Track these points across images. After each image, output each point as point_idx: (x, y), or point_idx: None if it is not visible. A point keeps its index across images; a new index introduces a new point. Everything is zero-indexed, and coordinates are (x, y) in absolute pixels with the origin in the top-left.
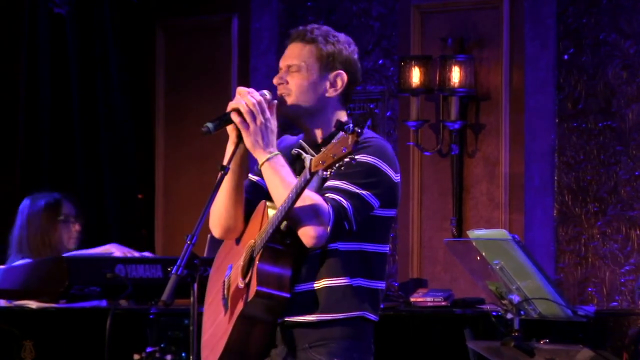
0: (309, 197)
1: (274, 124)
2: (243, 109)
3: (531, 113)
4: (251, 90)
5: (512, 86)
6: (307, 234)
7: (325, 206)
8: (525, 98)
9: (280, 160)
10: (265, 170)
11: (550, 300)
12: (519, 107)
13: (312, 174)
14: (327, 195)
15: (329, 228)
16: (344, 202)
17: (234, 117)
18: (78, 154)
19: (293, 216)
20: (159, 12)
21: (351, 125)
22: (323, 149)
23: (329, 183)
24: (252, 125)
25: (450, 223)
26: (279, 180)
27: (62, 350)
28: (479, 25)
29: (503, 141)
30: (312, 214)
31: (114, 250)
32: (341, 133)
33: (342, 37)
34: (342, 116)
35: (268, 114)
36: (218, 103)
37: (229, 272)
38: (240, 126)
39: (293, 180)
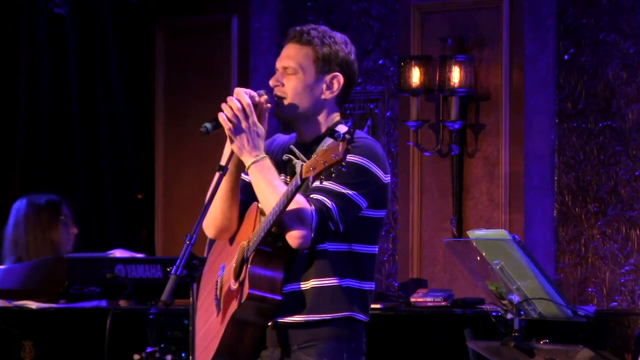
0: (294, 200)
1: (261, 127)
2: (228, 113)
3: (531, 113)
4: (246, 91)
5: (512, 86)
6: (292, 236)
7: (308, 207)
8: (525, 98)
9: (267, 164)
10: (252, 173)
11: (550, 300)
12: (519, 107)
13: (303, 181)
14: (311, 196)
15: (312, 229)
16: (328, 202)
17: (222, 121)
18: (78, 154)
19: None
20: (159, 12)
21: (341, 132)
22: (314, 155)
23: (315, 183)
24: (237, 129)
25: (450, 223)
26: (265, 183)
27: (62, 351)
28: (479, 25)
29: (503, 141)
30: (295, 215)
31: (118, 255)
32: (331, 140)
33: (338, 37)
34: (337, 117)
35: (254, 117)
36: (218, 103)
37: (221, 273)
38: (226, 130)
39: (279, 183)
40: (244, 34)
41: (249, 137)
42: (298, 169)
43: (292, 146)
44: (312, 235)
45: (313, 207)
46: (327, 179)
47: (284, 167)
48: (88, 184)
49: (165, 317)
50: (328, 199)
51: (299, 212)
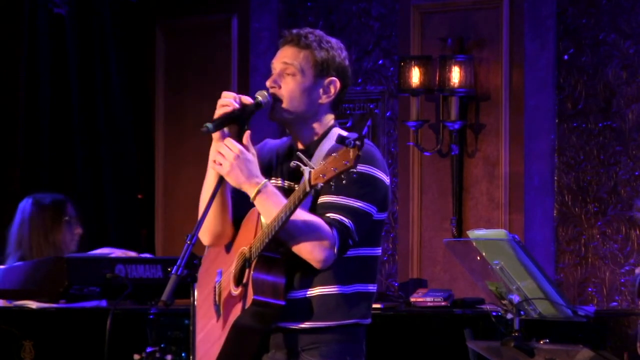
0: (311, 221)
1: (248, 153)
2: (214, 157)
3: (531, 113)
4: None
5: (511, 86)
6: (315, 259)
7: (328, 230)
8: (525, 98)
9: (270, 190)
10: (258, 203)
11: (550, 300)
12: (518, 107)
13: (312, 187)
14: (328, 215)
15: (335, 250)
16: (346, 222)
17: (212, 164)
18: (78, 154)
19: (297, 243)
20: (159, 12)
21: (352, 139)
22: (322, 162)
23: (326, 199)
24: (226, 166)
25: (450, 223)
26: (276, 210)
27: (62, 351)
28: (479, 25)
29: (503, 141)
30: (316, 240)
31: (108, 252)
32: (339, 146)
33: (334, 42)
34: (331, 120)
35: (237, 147)
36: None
37: (219, 278)
38: (217, 170)
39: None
40: (244, 34)
41: (241, 167)
42: (306, 176)
43: (298, 153)
44: (336, 255)
45: (334, 230)
46: (336, 193)
47: (280, 171)
48: (88, 184)
49: (165, 317)
50: (345, 217)
51: (320, 235)
